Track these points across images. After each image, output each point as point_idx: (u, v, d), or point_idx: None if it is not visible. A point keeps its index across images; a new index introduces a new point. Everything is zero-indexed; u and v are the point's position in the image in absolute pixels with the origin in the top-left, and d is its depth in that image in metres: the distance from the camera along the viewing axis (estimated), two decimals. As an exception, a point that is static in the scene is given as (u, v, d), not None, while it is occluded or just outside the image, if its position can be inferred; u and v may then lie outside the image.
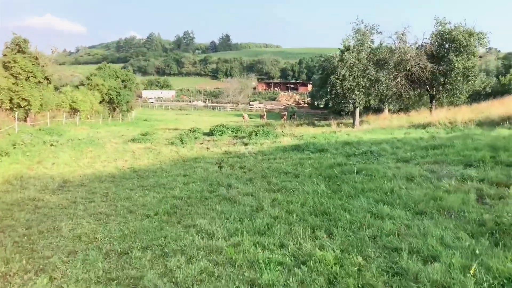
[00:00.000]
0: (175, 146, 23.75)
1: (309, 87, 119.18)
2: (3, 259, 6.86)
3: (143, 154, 21.17)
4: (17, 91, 32.94)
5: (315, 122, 50.37)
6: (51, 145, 23.89)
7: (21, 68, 33.54)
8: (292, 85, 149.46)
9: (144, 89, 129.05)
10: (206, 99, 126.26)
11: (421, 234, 6.21)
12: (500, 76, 61.10)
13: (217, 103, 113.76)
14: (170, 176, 14.79)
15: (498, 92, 51.11)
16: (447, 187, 8.58)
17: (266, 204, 9.03)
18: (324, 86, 42.19)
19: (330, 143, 19.11)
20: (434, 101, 38.85)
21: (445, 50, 37.24)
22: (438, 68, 35.79)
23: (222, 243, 6.82)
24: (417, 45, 38.98)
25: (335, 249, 5.96)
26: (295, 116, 64.04)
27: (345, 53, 36.67)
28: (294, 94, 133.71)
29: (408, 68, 36.46)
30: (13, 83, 32.71)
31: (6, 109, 32.21)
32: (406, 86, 37.18)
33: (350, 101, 37.18)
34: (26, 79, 34.21)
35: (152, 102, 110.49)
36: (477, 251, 5.30)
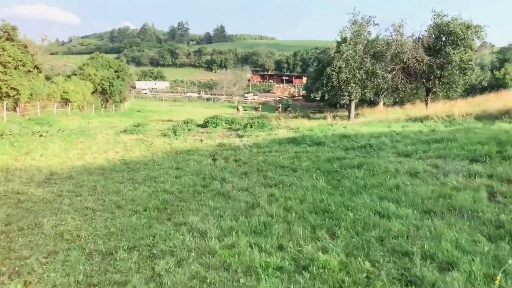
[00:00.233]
0: (168, 138, 23.16)
1: (304, 79, 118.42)
2: (-24, 260, 6.28)
3: (135, 146, 20.57)
4: (6, 80, 32.08)
5: (310, 114, 49.94)
6: (41, 135, 23.25)
7: (9, 56, 32.67)
8: (287, 78, 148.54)
9: (138, 80, 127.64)
10: (200, 91, 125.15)
11: (433, 236, 5.69)
12: (494, 70, 60.96)
13: (211, 94, 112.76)
14: (162, 169, 14.22)
15: (493, 86, 51.10)
16: (454, 184, 8.09)
17: (262, 201, 8.48)
18: (320, 78, 41.62)
19: (327, 136, 18.61)
20: (430, 95, 38.50)
21: (442, 43, 36.86)
22: (435, 61, 35.38)
23: (216, 244, 6.26)
24: (414, 38, 38.61)
25: (339, 253, 5.43)
26: (290, 109, 63.54)
27: (342, 44, 36.15)
28: (289, 87, 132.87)
29: (405, 60, 36.02)
30: (1, 72, 31.84)
31: (-6, 98, 31.43)
32: (403, 79, 36.77)
33: (346, 93, 36.73)
34: (15, 68, 33.36)
35: (145, 93, 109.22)
36: (499, 258, 4.78)
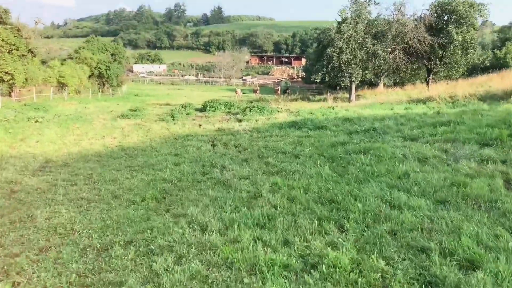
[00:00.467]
0: (166, 123, 22.73)
1: (303, 61, 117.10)
2: (-38, 258, 5.91)
3: (132, 131, 20.18)
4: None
5: (310, 97, 49.35)
6: (36, 121, 22.83)
7: (2, 40, 31.91)
8: (286, 59, 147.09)
9: (135, 63, 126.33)
10: (198, 74, 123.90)
11: (450, 230, 5.30)
12: (495, 50, 60.07)
13: (209, 77, 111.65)
14: (160, 156, 13.85)
15: (494, 66, 50.33)
16: (467, 171, 7.68)
17: (265, 190, 8.07)
18: (320, 59, 40.90)
19: (329, 120, 18.17)
20: (431, 75, 37.87)
21: (444, 22, 36.04)
22: (437, 41, 34.65)
23: (217, 239, 5.88)
24: (416, 17, 37.75)
25: (349, 249, 5.04)
26: (289, 91, 62.79)
27: (343, 24, 35.36)
28: (288, 68, 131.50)
29: (406, 40, 35.25)
30: (-6, 56, 31.15)
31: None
32: (404, 60, 36.07)
33: (346, 75, 36.13)
34: (8, 52, 32.62)
35: (143, 77, 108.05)
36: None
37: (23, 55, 34.60)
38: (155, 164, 12.39)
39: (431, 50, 35.76)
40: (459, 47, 34.64)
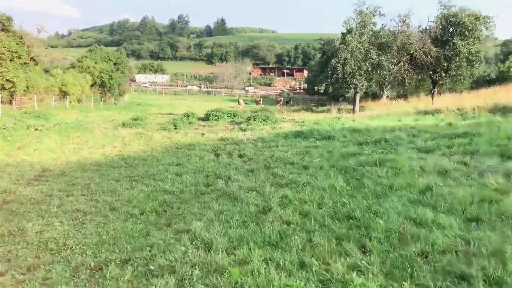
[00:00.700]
0: (168, 132, 22.21)
1: (305, 72, 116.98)
2: None
3: (133, 140, 19.66)
4: (1, 72, 31.03)
5: (313, 108, 48.96)
6: (36, 129, 22.37)
7: (4, 47, 31.62)
8: (288, 71, 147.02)
9: (138, 73, 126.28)
10: (200, 84, 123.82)
11: (490, 253, 4.69)
12: (498, 63, 59.76)
13: (212, 88, 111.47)
14: (162, 165, 13.30)
15: (498, 79, 49.94)
16: (495, 186, 7.06)
17: (274, 203, 7.46)
18: (324, 70, 40.44)
19: (336, 130, 17.62)
20: (436, 87, 37.47)
21: (450, 34, 35.77)
22: (443, 53, 34.29)
23: (224, 259, 5.26)
24: (421, 29, 37.47)
25: (376, 273, 4.42)
26: (291, 102, 62.49)
27: (347, 35, 35.04)
28: (290, 80, 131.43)
29: (411, 52, 34.91)
30: (-4, 64, 30.83)
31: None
32: (409, 71, 35.67)
33: (351, 86, 35.71)
34: (10, 60, 32.28)
35: (146, 87, 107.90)
36: None
37: (25, 63, 34.31)
38: (156, 174, 11.83)
39: (436, 62, 35.42)
40: (464, 59, 34.31)
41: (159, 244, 6.12)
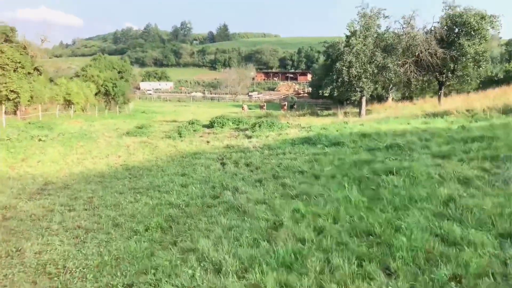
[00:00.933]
0: (172, 140, 21.89)
1: (309, 76, 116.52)
2: None
3: (138, 149, 19.33)
4: (5, 83, 30.85)
5: (318, 112, 48.51)
6: (40, 140, 22.16)
7: (8, 58, 31.45)
8: (292, 75, 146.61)
9: (142, 81, 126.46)
10: (204, 90, 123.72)
11: (531, 275, 4.23)
12: (504, 63, 59.06)
13: (215, 94, 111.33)
14: (167, 176, 12.93)
15: (504, 79, 49.23)
16: (524, 195, 6.58)
17: (286, 218, 7.03)
18: (329, 73, 40.05)
19: (345, 135, 17.17)
20: (443, 88, 36.92)
21: (455, 35, 35.23)
22: (450, 53, 33.79)
23: (235, 283, 4.85)
24: (426, 30, 36.99)
25: (406, 301, 3.97)
26: (295, 106, 62.05)
27: (352, 38, 34.65)
28: (294, 84, 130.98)
29: (417, 53, 34.44)
30: (0, 74, 30.62)
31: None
32: (415, 73, 35.18)
33: (357, 89, 35.28)
34: (14, 70, 32.08)
35: (150, 94, 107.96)
36: None
37: (29, 73, 34.14)
38: (161, 186, 11.47)
39: (442, 63, 34.91)
40: (471, 59, 33.77)
41: (165, 265, 5.72)
